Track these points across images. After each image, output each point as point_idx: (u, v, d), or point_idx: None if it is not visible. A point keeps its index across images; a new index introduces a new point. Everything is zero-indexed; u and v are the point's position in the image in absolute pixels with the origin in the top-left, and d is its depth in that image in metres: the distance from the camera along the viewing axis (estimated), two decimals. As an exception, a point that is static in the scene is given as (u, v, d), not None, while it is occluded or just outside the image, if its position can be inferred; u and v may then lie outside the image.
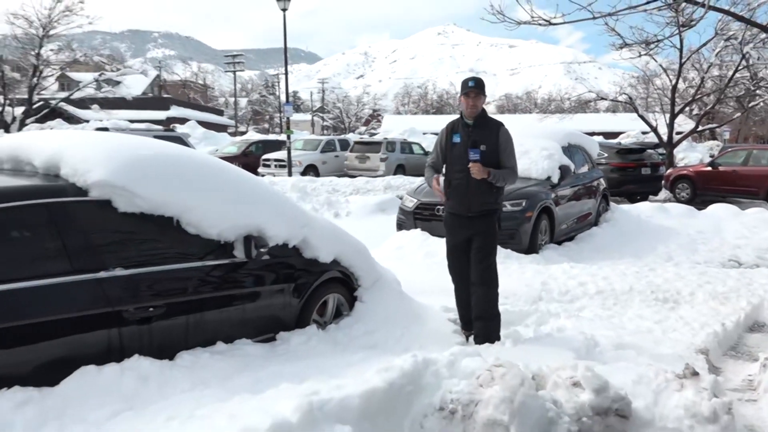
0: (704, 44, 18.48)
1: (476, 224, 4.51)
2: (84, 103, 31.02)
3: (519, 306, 5.60)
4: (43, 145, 3.58)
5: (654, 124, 20.94)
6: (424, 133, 35.58)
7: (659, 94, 23.50)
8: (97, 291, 3.09)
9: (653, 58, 18.77)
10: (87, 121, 28.16)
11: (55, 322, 2.94)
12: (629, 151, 16.58)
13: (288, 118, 23.77)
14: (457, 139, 4.54)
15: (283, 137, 25.40)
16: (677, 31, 9.39)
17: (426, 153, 22.04)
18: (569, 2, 6.65)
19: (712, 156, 23.49)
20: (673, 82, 20.27)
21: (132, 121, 25.64)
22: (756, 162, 15.20)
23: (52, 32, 27.01)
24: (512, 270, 6.72)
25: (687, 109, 23.33)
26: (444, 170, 4.74)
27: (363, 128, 67.90)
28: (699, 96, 21.58)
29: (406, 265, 6.61)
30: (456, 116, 4.77)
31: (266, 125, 78.83)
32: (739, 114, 25.91)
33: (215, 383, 3.15)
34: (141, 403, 2.88)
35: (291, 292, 4.08)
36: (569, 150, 9.60)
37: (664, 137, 20.26)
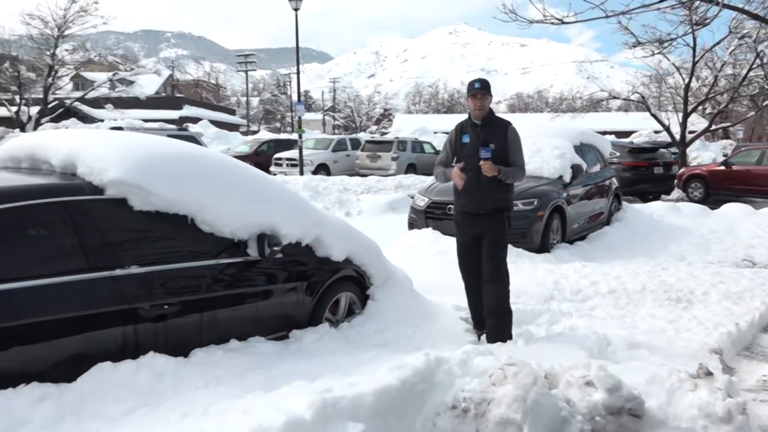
0: (718, 42, 18.30)
1: (487, 222, 4.56)
2: (98, 103, 31.33)
3: (531, 305, 5.59)
4: (60, 144, 3.62)
5: (667, 123, 20.78)
6: (435, 133, 35.54)
7: (672, 93, 23.29)
8: (114, 288, 3.13)
9: (666, 57, 18.63)
10: (101, 121, 28.42)
11: (73, 319, 2.98)
12: (642, 150, 16.47)
13: (300, 118, 23.84)
14: (466, 139, 4.62)
15: (294, 136, 25.47)
16: (691, 30, 9.32)
17: (437, 152, 22.02)
18: (582, 1, 6.64)
19: (725, 155, 23.29)
20: (686, 80, 20.10)
21: (145, 121, 25.85)
22: (770, 161, 15.06)
23: (67, 32, 27.31)
24: (524, 269, 6.71)
25: (700, 108, 23.12)
26: None
27: (374, 127, 67.98)
28: (712, 95, 21.38)
29: (418, 264, 6.61)
30: (465, 117, 4.81)
31: (278, 124, 79.04)
32: (753, 113, 25.63)
33: (229, 380, 3.18)
34: (156, 399, 2.91)
35: (304, 290, 4.11)
36: (581, 149, 9.56)
37: (677, 136, 20.11)
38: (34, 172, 3.61)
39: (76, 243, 3.10)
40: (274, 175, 18.84)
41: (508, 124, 4.65)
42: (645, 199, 14.58)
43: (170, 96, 55.36)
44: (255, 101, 79.66)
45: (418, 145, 23.55)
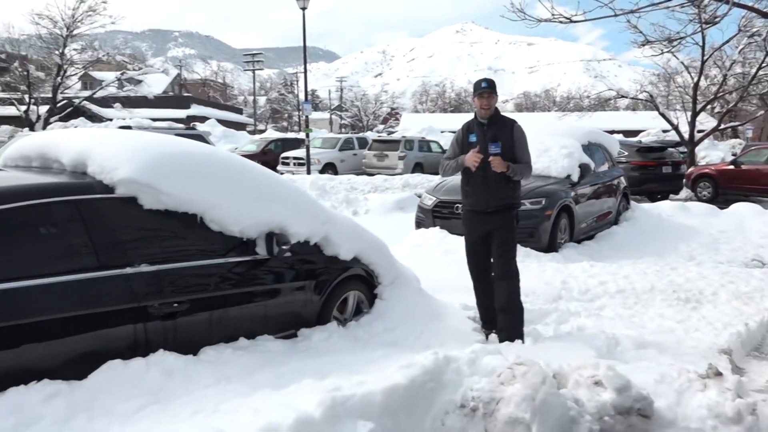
0: (727, 41, 18.18)
1: (495, 220, 4.58)
2: (106, 102, 31.49)
3: (539, 304, 5.59)
4: (70, 143, 3.64)
5: (675, 122, 20.70)
6: (442, 132, 35.50)
7: (680, 92, 23.20)
8: (124, 287, 3.15)
9: (675, 56, 18.55)
10: (110, 120, 28.57)
11: (83, 316, 3.00)
12: (650, 150, 16.41)
13: (307, 117, 23.88)
14: (473, 138, 4.66)
15: (302, 135, 25.51)
16: (700, 29, 9.27)
17: (444, 151, 22.00)
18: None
19: (734, 154, 23.16)
20: (695, 79, 20.01)
21: (153, 120, 25.95)
22: (780, 160, 14.97)
23: (75, 32, 27.48)
24: (532, 268, 6.70)
25: (709, 107, 23.02)
26: (462, 170, 4.80)
27: (381, 126, 67.98)
28: (721, 94, 21.27)
29: (425, 263, 6.61)
30: (472, 116, 4.85)
31: (285, 123, 79.20)
32: (762, 112, 25.51)
33: (238, 378, 3.19)
34: (166, 397, 2.92)
35: (312, 289, 4.12)
36: (589, 148, 9.53)
37: (686, 135, 20.02)
38: (44, 171, 3.63)
39: (87, 241, 3.12)
40: (282, 174, 18.89)
41: (514, 122, 4.71)
42: (653, 198, 14.52)
43: (178, 95, 55.60)
44: (262, 100, 79.81)
45: (425, 144, 23.54)
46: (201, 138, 14.38)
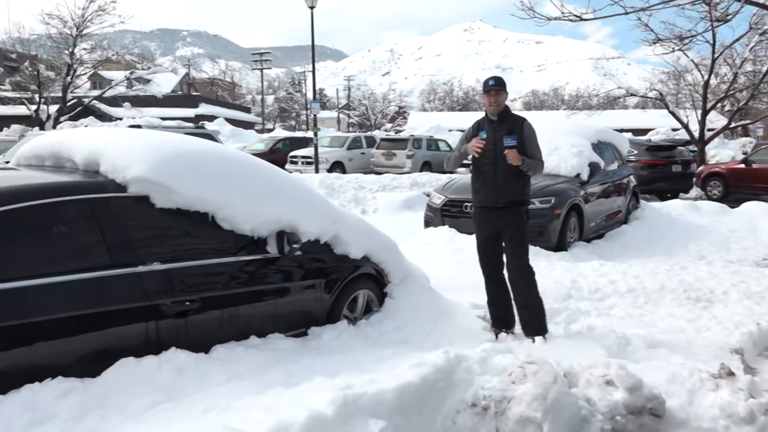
0: (738, 39, 18.06)
1: (505, 216, 4.60)
2: (116, 101, 31.67)
3: (549, 303, 5.54)
4: (83, 143, 3.67)
5: (685, 120, 20.57)
6: (449, 130, 35.47)
7: (690, 90, 23.05)
8: (137, 285, 3.17)
9: (685, 54, 18.46)
10: (120, 119, 28.70)
11: (96, 314, 3.02)
12: (659, 148, 16.32)
13: (315, 115, 23.90)
14: (483, 134, 4.68)
15: (309, 134, 25.55)
16: (711, 26, 9.21)
17: (451, 150, 21.97)
18: (601, -3, 6.60)
19: (744, 153, 22.99)
20: (705, 77, 19.88)
21: (163, 119, 26.05)
22: (791, 159, 14.86)
23: (85, 32, 27.63)
24: (541, 267, 6.64)
25: (719, 105, 22.87)
26: (471, 167, 4.84)
27: (389, 125, 67.92)
28: (731, 92, 21.12)
29: (434, 262, 6.61)
30: (481, 114, 4.88)
31: (293, 122, 79.30)
32: (773, 110, 25.30)
33: (249, 376, 3.20)
34: (178, 394, 2.94)
35: (322, 287, 4.13)
36: (599, 147, 9.49)
37: (696, 134, 19.89)
38: (57, 170, 3.66)
39: (100, 240, 3.14)
40: (290, 173, 18.92)
41: (524, 119, 4.74)
42: (663, 197, 14.45)
43: (186, 94, 55.79)
44: (270, 99, 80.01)
45: (433, 143, 23.51)
46: (210, 137, 14.41)
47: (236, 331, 3.60)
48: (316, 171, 20.35)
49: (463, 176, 9.68)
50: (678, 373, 3.26)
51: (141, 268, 3.21)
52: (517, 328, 4.79)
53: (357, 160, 22.79)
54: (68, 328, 2.93)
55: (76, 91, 30.12)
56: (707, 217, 10.15)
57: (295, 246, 3.87)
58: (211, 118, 40.08)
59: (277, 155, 22.60)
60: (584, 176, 8.58)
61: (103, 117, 31.92)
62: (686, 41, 9.06)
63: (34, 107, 28.10)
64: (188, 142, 4.01)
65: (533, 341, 4.42)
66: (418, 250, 7.35)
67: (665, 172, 15.40)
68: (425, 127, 38.24)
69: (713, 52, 18.91)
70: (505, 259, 4.71)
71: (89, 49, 30.07)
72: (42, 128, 24.90)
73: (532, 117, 5.22)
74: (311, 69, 24.51)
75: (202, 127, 22.16)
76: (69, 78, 28.19)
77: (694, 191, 16.22)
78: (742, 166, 15.66)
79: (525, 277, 4.62)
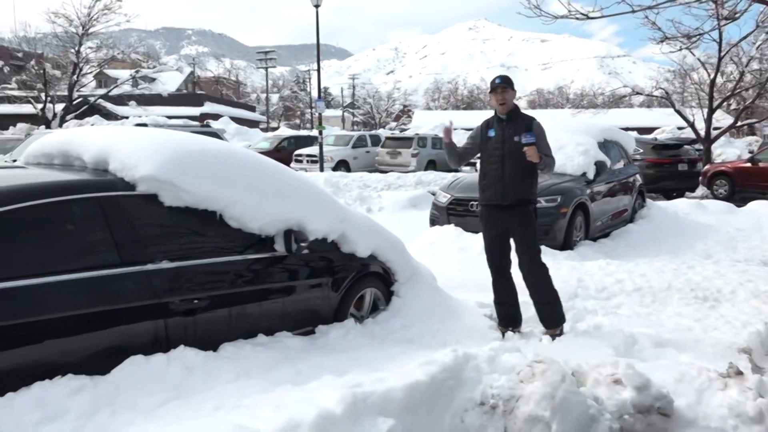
0: (745, 37, 18.02)
1: (512, 214, 4.59)
2: (121, 100, 31.75)
3: (555, 303, 5.56)
4: (92, 141, 3.68)
5: (691, 119, 20.50)
6: (455, 129, 35.32)
7: (696, 89, 22.99)
8: (145, 283, 3.18)
9: (691, 52, 18.38)
10: (126, 117, 28.79)
11: (106, 312, 3.03)
12: (665, 147, 16.28)
13: (320, 114, 23.92)
14: (491, 133, 4.69)
15: (314, 133, 25.56)
16: (718, 25, 9.18)
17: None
18: (607, -5, 6.58)
19: (751, 152, 22.91)
20: (712, 76, 19.81)
21: (168, 118, 26.11)
22: (798, 158, 14.80)
23: (91, 30, 27.69)
24: (548, 266, 6.66)
25: (725, 104, 22.77)
26: (479, 165, 4.88)
27: (393, 124, 67.84)
28: (738, 90, 21.05)
29: (440, 261, 6.60)
30: (487, 113, 4.88)
31: (297, 121, 79.37)
32: (780, 109, 25.22)
33: (258, 374, 3.20)
34: (187, 392, 2.95)
35: (329, 286, 4.14)
36: (605, 145, 9.46)
37: (702, 133, 19.83)
38: (66, 169, 3.67)
39: (109, 238, 3.15)
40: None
41: (533, 118, 4.75)
42: (669, 196, 14.41)
43: (191, 93, 55.89)
44: (275, 98, 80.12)
45: (438, 142, 23.45)
46: (216, 135, 14.45)
47: (244, 329, 3.61)
48: (321, 169, 20.36)
49: (469, 175, 9.68)
50: (686, 373, 3.26)
51: (150, 267, 3.22)
52: (524, 326, 4.79)
53: (362, 159, 22.80)
54: (78, 326, 2.95)
55: (81, 89, 30.21)
56: (714, 216, 10.11)
57: (302, 244, 3.88)
58: (216, 116, 40.15)
59: (282, 154, 22.63)
60: (590, 175, 8.56)
61: (109, 116, 32.04)
62: (693, 40, 9.01)
63: (40, 106, 28.19)
64: (196, 140, 4.01)
65: (540, 340, 4.43)
66: (424, 249, 7.35)
67: (671, 170, 15.37)
68: (430, 125, 38.13)
69: (720, 51, 18.85)
70: (516, 258, 4.70)
71: (95, 48, 30.17)
72: (48, 127, 25.01)
73: (538, 115, 5.23)
74: (316, 67, 24.53)
75: (208, 126, 22.16)
76: (75, 77, 28.27)
77: (700, 190, 16.18)
78: (749, 164, 15.61)
79: (540, 276, 4.64)
